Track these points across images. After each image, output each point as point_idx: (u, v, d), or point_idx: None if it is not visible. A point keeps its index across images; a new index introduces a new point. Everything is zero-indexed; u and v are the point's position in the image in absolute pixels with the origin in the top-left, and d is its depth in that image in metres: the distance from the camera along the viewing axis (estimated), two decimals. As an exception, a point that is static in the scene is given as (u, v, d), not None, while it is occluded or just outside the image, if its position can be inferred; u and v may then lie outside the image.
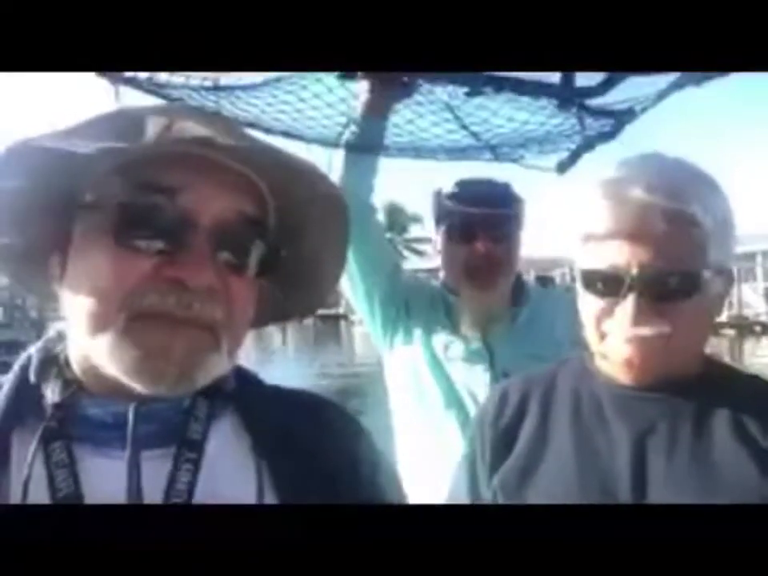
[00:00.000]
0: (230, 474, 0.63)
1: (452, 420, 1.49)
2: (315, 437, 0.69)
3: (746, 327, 22.43)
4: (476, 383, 1.49)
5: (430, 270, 1.72)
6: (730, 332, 21.98)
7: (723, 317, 23.22)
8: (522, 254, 1.60)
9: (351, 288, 1.60)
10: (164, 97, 1.25)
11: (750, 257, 25.23)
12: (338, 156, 1.48)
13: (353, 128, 1.38)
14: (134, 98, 1.21)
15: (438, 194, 1.57)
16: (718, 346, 18.56)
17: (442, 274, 1.64)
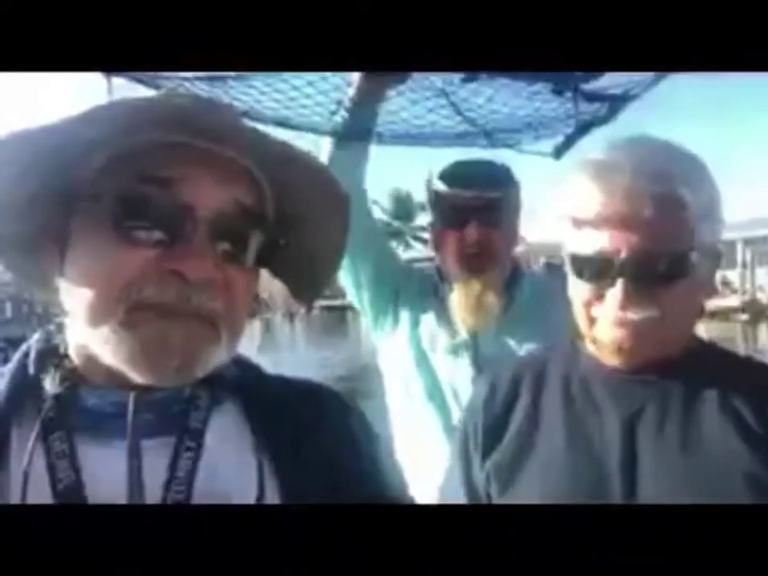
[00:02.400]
0: (230, 462, 0.64)
1: (432, 412, 1.48)
2: (316, 424, 0.70)
3: (759, 312, 22.23)
4: (459, 377, 1.47)
5: (432, 259, 1.69)
6: (744, 317, 21.79)
7: (737, 302, 23.04)
8: (532, 239, 1.55)
9: (341, 274, 1.57)
10: (156, 87, 1.24)
11: (764, 240, 24.96)
12: (327, 141, 1.45)
13: (345, 114, 1.37)
14: (127, 89, 1.21)
15: (429, 177, 1.52)
16: (732, 332, 18.41)
17: (435, 261, 1.61)
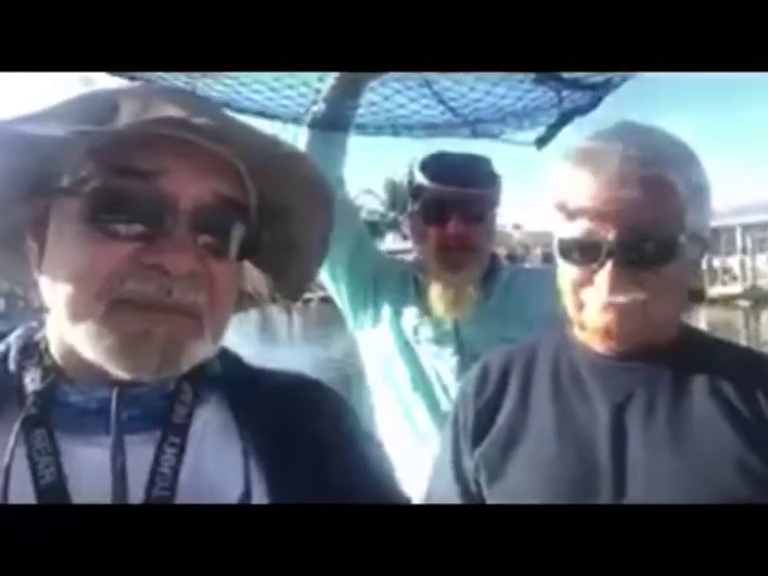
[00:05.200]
0: (215, 456, 0.63)
1: (419, 403, 1.48)
2: (301, 417, 0.69)
3: (761, 298, 22.22)
4: (444, 367, 1.47)
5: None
6: (745, 303, 21.80)
7: (738, 288, 23.04)
8: (528, 228, 1.54)
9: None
10: (134, 78, 1.23)
11: (764, 227, 24.91)
12: (305, 131, 1.44)
13: (325, 104, 1.36)
14: (105, 80, 1.19)
15: (411, 168, 1.51)
16: (733, 318, 18.40)
17: (414, 253, 1.61)
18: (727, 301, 21.74)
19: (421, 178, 1.49)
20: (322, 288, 1.64)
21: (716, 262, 23.82)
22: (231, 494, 0.61)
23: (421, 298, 1.53)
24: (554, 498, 0.85)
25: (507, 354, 1.01)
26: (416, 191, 1.51)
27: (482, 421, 0.95)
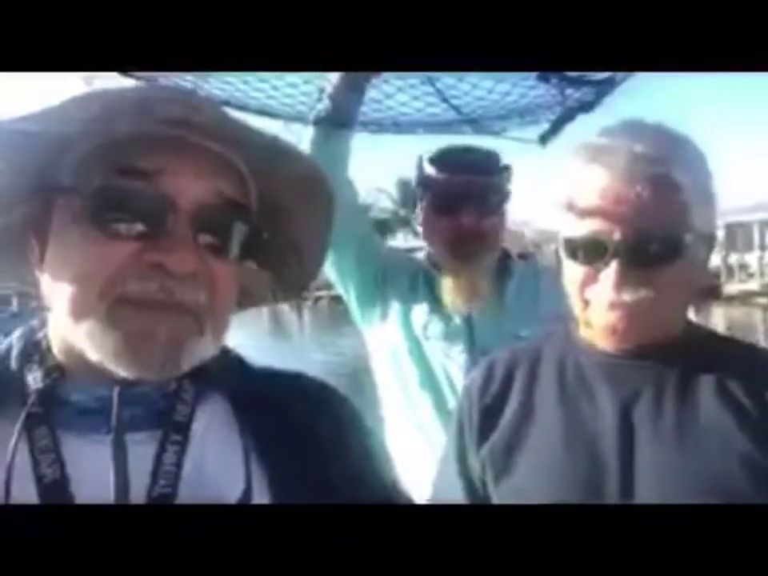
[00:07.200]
0: (217, 455, 0.64)
1: (427, 400, 1.47)
2: (303, 416, 0.69)
3: (778, 295, 21.95)
4: (453, 364, 1.46)
5: (423, 248, 1.68)
6: (763, 300, 21.53)
7: (756, 285, 22.78)
8: (538, 225, 1.55)
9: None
10: (136, 77, 1.24)
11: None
12: (309, 130, 1.44)
13: (328, 102, 1.36)
14: (107, 79, 1.20)
15: (420, 162, 1.50)
16: (751, 316, 18.19)
17: (426, 249, 1.60)
18: (745, 298, 21.49)
19: (430, 170, 1.48)
20: (333, 286, 1.64)
21: (733, 259, 23.56)
22: (233, 492, 0.61)
23: (430, 293, 1.52)
24: (561, 497, 0.84)
25: (512, 354, 1.01)
26: (425, 183, 1.50)
27: (488, 420, 0.95)
